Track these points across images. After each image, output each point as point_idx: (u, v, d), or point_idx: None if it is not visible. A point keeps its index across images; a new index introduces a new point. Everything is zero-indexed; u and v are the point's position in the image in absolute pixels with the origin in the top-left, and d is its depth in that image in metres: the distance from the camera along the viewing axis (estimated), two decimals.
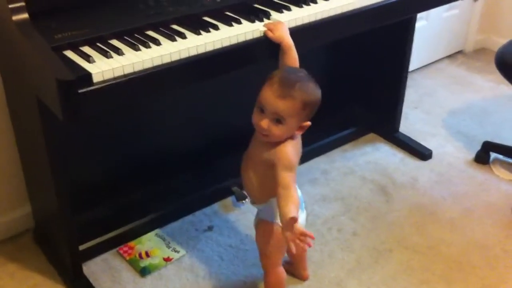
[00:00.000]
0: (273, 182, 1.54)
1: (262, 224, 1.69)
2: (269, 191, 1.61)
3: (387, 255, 2.02)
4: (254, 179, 1.64)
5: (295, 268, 1.89)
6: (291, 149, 1.54)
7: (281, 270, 1.75)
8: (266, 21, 1.70)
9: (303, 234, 1.39)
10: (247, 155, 1.65)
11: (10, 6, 1.39)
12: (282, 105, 1.49)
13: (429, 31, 3.22)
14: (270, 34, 1.63)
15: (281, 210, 1.45)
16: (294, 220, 1.38)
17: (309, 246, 1.40)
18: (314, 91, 1.54)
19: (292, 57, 1.63)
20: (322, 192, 2.31)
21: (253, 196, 1.69)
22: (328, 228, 2.13)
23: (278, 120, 1.50)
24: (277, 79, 1.51)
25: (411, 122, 2.81)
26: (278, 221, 1.64)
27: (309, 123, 1.55)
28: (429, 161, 2.53)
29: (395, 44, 2.46)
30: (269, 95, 1.49)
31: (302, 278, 1.90)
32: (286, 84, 1.50)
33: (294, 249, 1.40)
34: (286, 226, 1.40)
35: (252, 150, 1.63)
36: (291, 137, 1.55)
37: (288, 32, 1.64)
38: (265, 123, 1.50)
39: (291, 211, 1.41)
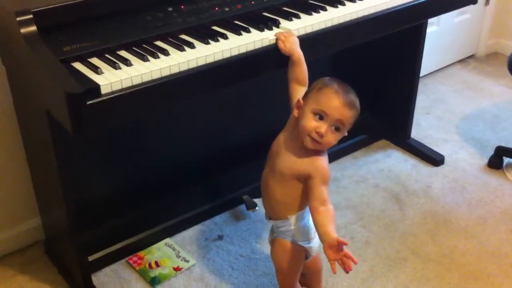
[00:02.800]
0: (299, 196, 1.54)
1: (279, 243, 1.66)
2: (291, 207, 1.59)
3: (401, 264, 1.99)
4: (279, 193, 1.59)
5: (309, 280, 1.86)
6: (326, 163, 1.54)
7: (298, 286, 1.73)
8: (275, 29, 1.69)
9: (348, 256, 1.38)
10: (272, 168, 1.60)
11: (18, 19, 1.39)
12: (349, 113, 1.49)
13: (441, 36, 3.19)
14: (281, 46, 1.62)
15: (323, 228, 1.44)
16: (341, 242, 1.37)
17: (350, 269, 1.38)
18: None
19: (303, 70, 1.62)
20: (334, 200, 2.28)
21: (273, 211, 1.65)
22: (340, 237, 2.10)
23: (337, 128, 1.50)
24: (338, 88, 1.50)
25: (423, 128, 2.78)
26: (295, 239, 1.62)
27: (346, 133, 1.56)
28: (442, 167, 2.50)
29: (406, 50, 2.44)
30: (337, 103, 1.48)
31: None
32: (350, 93, 1.51)
33: (335, 269, 1.38)
34: (331, 246, 1.39)
35: (280, 162, 1.57)
36: (324, 150, 1.56)
37: (298, 44, 1.63)
38: (324, 128, 1.48)
39: (333, 230, 1.42)
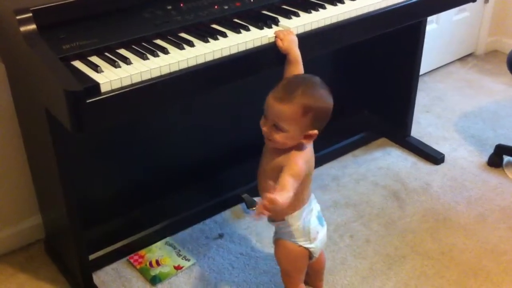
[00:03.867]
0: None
1: (281, 244, 1.66)
2: (285, 208, 1.57)
3: (401, 262, 1.99)
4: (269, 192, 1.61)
5: (311, 279, 1.86)
6: (300, 160, 1.50)
7: (303, 287, 1.73)
8: (274, 27, 1.69)
9: (271, 202, 1.33)
10: (260, 167, 1.62)
11: (17, 17, 1.39)
12: (279, 109, 1.45)
13: (440, 34, 3.20)
14: (279, 43, 1.61)
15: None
16: (273, 201, 1.33)
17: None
18: (321, 98, 1.48)
19: (298, 70, 1.61)
20: (333, 199, 2.29)
21: (272, 212, 1.66)
22: (340, 235, 2.11)
23: (277, 126, 1.47)
24: (283, 82, 1.50)
25: (422, 126, 2.79)
26: (296, 240, 1.62)
27: (315, 131, 1.50)
28: (442, 165, 2.50)
29: (406, 48, 2.44)
30: (270, 98, 1.47)
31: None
32: (288, 87, 1.47)
33: (256, 217, 1.36)
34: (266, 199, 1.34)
35: (263, 159, 1.60)
36: (299, 147, 1.51)
37: (297, 44, 1.62)
38: (266, 127, 1.49)
39: (275, 194, 1.37)
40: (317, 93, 1.48)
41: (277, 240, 1.68)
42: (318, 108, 1.47)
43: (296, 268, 1.68)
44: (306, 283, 1.85)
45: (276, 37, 1.63)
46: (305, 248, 1.63)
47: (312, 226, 1.62)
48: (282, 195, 1.39)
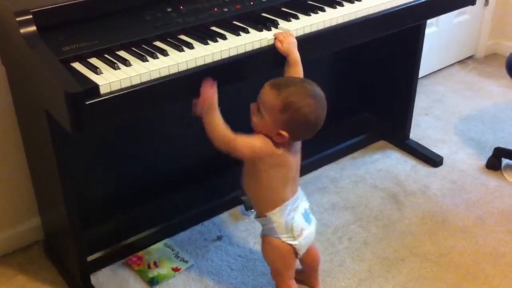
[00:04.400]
0: (266, 188, 1.56)
1: (266, 240, 1.68)
2: (266, 203, 1.62)
3: (399, 264, 1.99)
4: (247, 186, 1.65)
5: (306, 277, 1.87)
6: (265, 143, 1.53)
7: (293, 284, 1.73)
8: (274, 30, 1.69)
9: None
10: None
11: (17, 19, 1.40)
12: (266, 94, 1.50)
13: (440, 37, 3.20)
14: (278, 45, 1.62)
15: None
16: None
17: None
18: (307, 107, 1.48)
19: (297, 72, 1.63)
20: (332, 201, 2.30)
21: (256, 208, 1.70)
22: (338, 237, 2.11)
23: (259, 108, 1.52)
24: (290, 77, 1.57)
25: (422, 129, 2.79)
26: (279, 236, 1.64)
27: (286, 134, 1.50)
28: (441, 168, 2.50)
29: (405, 51, 2.44)
30: (268, 82, 1.52)
31: (313, 287, 1.88)
32: (287, 81, 1.53)
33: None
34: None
35: None
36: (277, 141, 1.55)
37: (296, 46, 1.64)
38: (253, 105, 1.55)
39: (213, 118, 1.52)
40: (307, 101, 1.48)
41: (263, 237, 1.70)
42: (299, 114, 1.48)
43: (283, 264, 1.69)
44: (302, 282, 1.86)
45: (275, 39, 1.64)
46: (288, 244, 1.64)
47: (296, 224, 1.64)
48: (220, 121, 1.53)
